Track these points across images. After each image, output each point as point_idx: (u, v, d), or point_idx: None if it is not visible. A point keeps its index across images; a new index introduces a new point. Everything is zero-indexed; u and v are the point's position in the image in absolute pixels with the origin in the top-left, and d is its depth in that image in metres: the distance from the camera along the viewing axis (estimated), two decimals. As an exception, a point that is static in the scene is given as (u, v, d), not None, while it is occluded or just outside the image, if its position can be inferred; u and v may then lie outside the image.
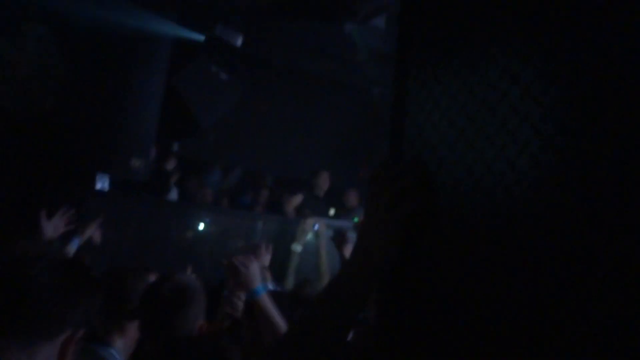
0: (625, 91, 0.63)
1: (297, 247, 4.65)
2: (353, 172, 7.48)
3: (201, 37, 6.13)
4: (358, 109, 7.43)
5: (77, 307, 1.28)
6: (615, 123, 0.63)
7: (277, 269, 4.23)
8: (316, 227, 4.68)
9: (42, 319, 1.23)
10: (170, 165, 6.80)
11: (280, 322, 1.98)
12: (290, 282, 4.16)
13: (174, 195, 6.44)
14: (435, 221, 0.89)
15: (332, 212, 6.26)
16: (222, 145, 7.50)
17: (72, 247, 3.14)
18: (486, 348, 0.77)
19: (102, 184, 5.14)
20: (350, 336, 0.92)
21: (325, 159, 7.35)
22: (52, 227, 3.03)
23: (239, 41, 6.16)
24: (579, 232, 0.65)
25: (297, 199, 5.96)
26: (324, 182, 6.23)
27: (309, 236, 4.78)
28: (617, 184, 0.61)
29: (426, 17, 1.02)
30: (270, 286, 2.13)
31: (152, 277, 2.43)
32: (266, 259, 3.22)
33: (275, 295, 2.12)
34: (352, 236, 3.91)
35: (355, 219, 4.32)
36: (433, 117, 0.95)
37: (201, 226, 5.11)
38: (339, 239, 3.74)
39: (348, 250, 3.86)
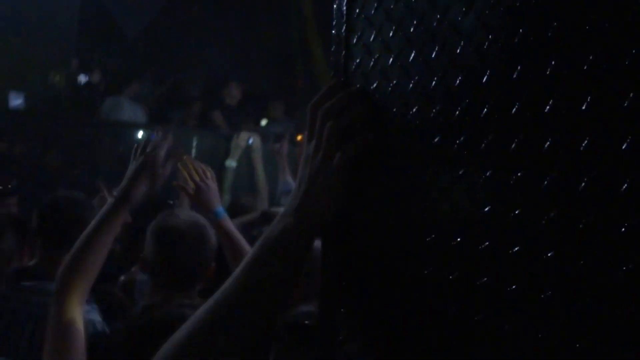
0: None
1: (231, 163, 4.51)
2: (285, 82, 7.27)
3: None
4: (292, 15, 7.10)
5: None
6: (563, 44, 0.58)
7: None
8: (250, 140, 4.53)
9: None
10: (95, 78, 6.37)
11: (244, 243, 1.92)
12: (226, 200, 4.05)
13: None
14: (385, 162, 0.76)
15: (263, 122, 6.17)
16: (149, 54, 7.05)
17: None
18: (437, 309, 0.68)
19: (17, 101, 4.75)
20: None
21: (257, 66, 7.06)
22: None
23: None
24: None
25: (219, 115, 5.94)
26: (235, 92, 6.19)
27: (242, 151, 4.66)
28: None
29: None
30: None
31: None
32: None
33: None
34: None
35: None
36: (384, 33, 0.80)
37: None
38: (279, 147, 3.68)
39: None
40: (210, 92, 7.02)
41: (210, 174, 2.01)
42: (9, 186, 3.40)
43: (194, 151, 5.10)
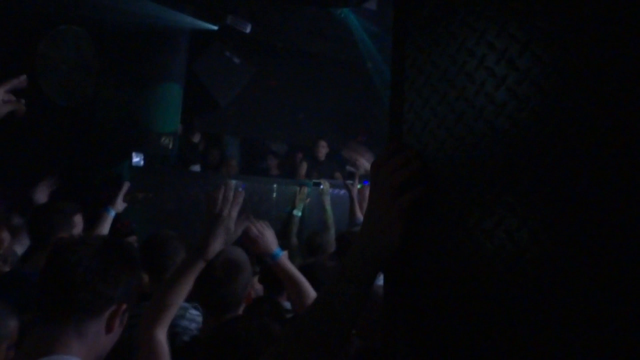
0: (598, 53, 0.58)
1: (297, 213, 4.53)
2: (352, 138, 7.35)
3: (215, 27, 5.96)
4: (354, 82, 7.25)
5: (119, 284, 1.21)
6: (590, 84, 0.59)
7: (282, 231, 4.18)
8: (321, 186, 4.58)
9: (89, 299, 1.17)
10: (196, 138, 6.72)
11: (302, 279, 1.91)
12: (294, 242, 4.08)
13: (196, 167, 6.38)
14: (435, 207, 0.78)
15: (337, 175, 6.21)
16: (238, 119, 7.37)
17: (110, 216, 2.98)
18: (492, 332, 0.67)
19: (137, 159, 5.06)
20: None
21: (327, 127, 7.23)
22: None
23: (248, 28, 5.98)
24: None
25: (304, 167, 5.99)
26: (322, 149, 6.23)
27: (308, 201, 4.71)
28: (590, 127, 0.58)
29: (418, 3, 0.89)
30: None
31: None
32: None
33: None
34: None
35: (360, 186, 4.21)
36: (431, 101, 0.83)
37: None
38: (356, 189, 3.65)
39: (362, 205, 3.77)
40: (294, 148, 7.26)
41: (266, 223, 2.00)
42: (131, 227, 3.58)
43: (274, 195, 5.22)
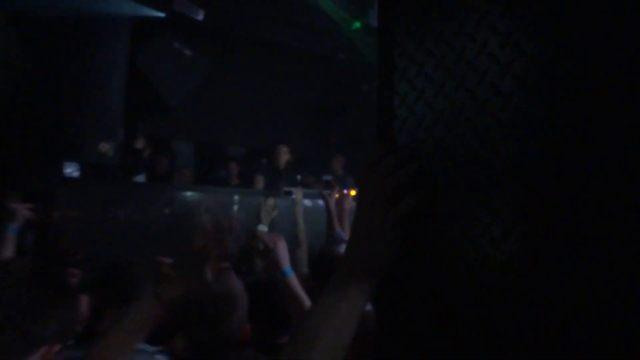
0: (606, 34, 0.60)
1: (263, 228, 4.54)
2: (324, 140, 7.39)
3: (161, 14, 5.90)
4: (325, 76, 7.31)
5: (50, 322, 1.16)
6: (598, 71, 0.61)
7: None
8: (293, 195, 4.58)
9: (12, 338, 1.11)
10: (140, 144, 6.62)
11: (306, 301, 1.91)
12: (259, 265, 4.06)
13: (141, 178, 6.29)
14: (434, 216, 0.78)
15: (298, 178, 6.21)
16: (191, 121, 7.31)
17: (12, 235, 2.78)
18: (489, 348, 0.68)
19: (70, 169, 4.96)
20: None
21: (294, 128, 7.25)
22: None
23: (200, 15, 5.94)
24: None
25: (260, 181, 6.00)
26: (282, 156, 6.21)
27: (275, 213, 4.70)
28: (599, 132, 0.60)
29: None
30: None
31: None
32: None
33: None
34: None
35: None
36: (426, 94, 0.84)
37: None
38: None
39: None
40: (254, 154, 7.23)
41: (279, 236, 2.02)
42: (76, 258, 3.46)
43: (236, 208, 5.19)
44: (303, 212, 4.38)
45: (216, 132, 7.45)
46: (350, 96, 7.30)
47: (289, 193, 4.57)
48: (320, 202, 4.18)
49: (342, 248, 3.30)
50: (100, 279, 2.34)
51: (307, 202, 4.69)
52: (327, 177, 4.87)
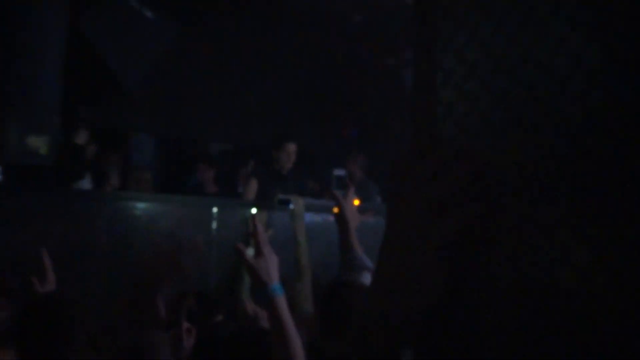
0: None
1: (250, 252, 4.56)
2: (334, 132, 7.41)
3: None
4: (335, 46, 7.32)
5: None
6: None
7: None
8: (291, 206, 4.59)
9: None
10: (82, 139, 6.67)
11: (294, 333, 2.12)
12: (251, 309, 4.08)
13: (85, 183, 6.33)
14: (493, 234, 0.78)
15: (310, 185, 6.24)
16: (152, 108, 7.35)
17: None
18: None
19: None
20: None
21: (292, 118, 7.26)
22: None
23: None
24: None
25: (253, 186, 5.98)
26: (289, 156, 6.20)
27: (270, 233, 4.73)
28: None
29: None
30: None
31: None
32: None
33: None
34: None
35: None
36: (481, 68, 0.84)
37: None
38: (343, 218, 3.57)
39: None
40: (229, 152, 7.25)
41: (268, 247, 2.32)
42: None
43: (214, 225, 5.21)
44: (305, 229, 4.39)
45: (188, 123, 7.47)
46: (371, 73, 7.32)
47: (286, 202, 4.56)
48: (331, 217, 4.17)
49: (365, 278, 3.34)
50: (21, 320, 2.41)
51: (312, 217, 4.69)
52: (339, 172, 4.81)
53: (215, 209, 5.34)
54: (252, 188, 6.05)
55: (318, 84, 7.54)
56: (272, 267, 2.24)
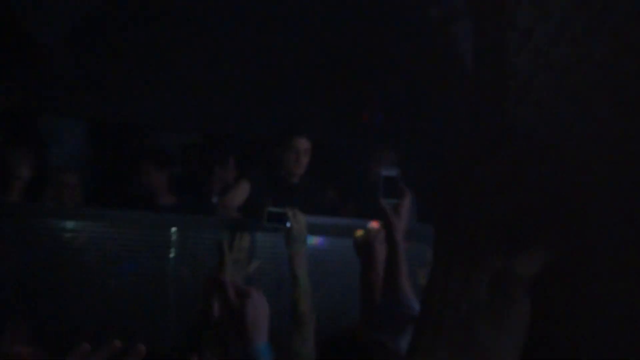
0: None
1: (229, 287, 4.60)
2: (350, 119, 7.46)
3: None
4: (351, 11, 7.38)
5: None
6: None
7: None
8: (287, 224, 4.61)
9: None
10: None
11: None
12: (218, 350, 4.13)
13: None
14: (586, 275, 0.82)
15: (329, 196, 6.23)
16: (82, 80, 7.42)
17: None
18: None
19: None
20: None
21: (293, 96, 7.29)
22: None
23: None
24: None
25: (242, 191, 5.93)
26: (298, 158, 6.12)
27: (257, 265, 4.77)
28: None
29: None
30: None
31: None
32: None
33: None
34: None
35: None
36: (572, 29, 0.88)
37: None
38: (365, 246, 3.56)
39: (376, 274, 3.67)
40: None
41: (255, 290, 2.28)
42: None
43: (172, 253, 5.24)
44: (307, 260, 4.41)
45: (133, 103, 7.51)
46: (402, 33, 7.36)
47: (279, 219, 4.54)
48: (348, 242, 4.18)
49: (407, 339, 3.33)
50: None
51: (318, 242, 4.72)
52: (389, 171, 4.75)
53: (173, 230, 5.36)
54: (241, 194, 5.93)
55: (329, 46, 7.56)
56: (260, 317, 2.23)
